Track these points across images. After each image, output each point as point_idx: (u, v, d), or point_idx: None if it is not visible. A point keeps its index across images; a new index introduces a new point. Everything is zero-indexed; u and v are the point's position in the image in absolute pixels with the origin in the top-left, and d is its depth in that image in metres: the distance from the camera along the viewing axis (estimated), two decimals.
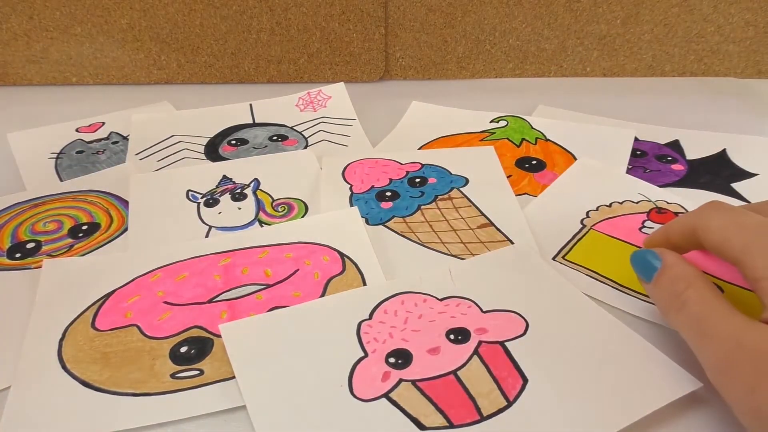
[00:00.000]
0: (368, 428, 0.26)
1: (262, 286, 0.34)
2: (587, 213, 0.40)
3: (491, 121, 0.50)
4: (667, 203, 0.40)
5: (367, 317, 0.31)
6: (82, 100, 0.54)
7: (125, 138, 0.49)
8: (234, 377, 0.29)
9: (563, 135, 0.48)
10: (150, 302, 0.33)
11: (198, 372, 0.29)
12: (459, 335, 0.30)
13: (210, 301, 0.33)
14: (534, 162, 0.46)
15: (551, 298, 0.33)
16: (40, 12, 0.53)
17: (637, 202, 0.41)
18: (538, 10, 0.55)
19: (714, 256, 0.31)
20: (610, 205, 0.40)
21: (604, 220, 0.39)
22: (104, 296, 0.33)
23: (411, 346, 0.30)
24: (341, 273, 0.35)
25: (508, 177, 0.44)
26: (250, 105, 0.52)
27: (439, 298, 0.33)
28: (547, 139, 0.48)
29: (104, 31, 0.54)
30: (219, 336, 0.31)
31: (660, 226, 0.35)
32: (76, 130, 0.50)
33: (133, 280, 0.34)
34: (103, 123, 0.51)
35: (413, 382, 0.28)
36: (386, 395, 0.28)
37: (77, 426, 0.27)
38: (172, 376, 0.29)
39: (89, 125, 0.50)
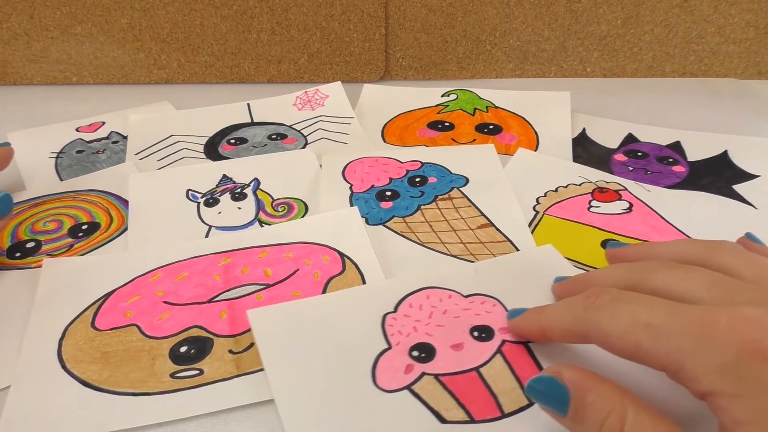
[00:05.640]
0: (390, 419, 0.26)
1: (262, 286, 0.34)
2: (537, 200, 0.41)
3: (442, 96, 0.54)
4: (606, 182, 0.43)
5: (392, 310, 0.32)
6: (82, 100, 0.54)
7: (125, 138, 0.49)
8: (233, 377, 0.29)
9: (509, 102, 0.53)
10: (150, 302, 0.33)
11: (198, 372, 0.29)
12: (483, 333, 0.30)
13: (210, 300, 0.33)
14: (491, 126, 0.50)
15: None
16: (40, 11, 0.53)
17: (579, 185, 0.43)
18: (539, 10, 0.55)
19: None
20: (556, 190, 0.42)
21: (554, 204, 0.41)
22: (104, 296, 0.33)
23: (435, 341, 0.30)
24: (341, 273, 0.35)
25: (472, 141, 0.48)
26: (248, 104, 0.52)
27: (464, 294, 0.33)
28: (497, 107, 0.53)
29: (104, 31, 0.54)
30: (219, 336, 0.31)
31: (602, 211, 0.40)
32: (76, 130, 0.50)
33: (132, 279, 0.34)
34: (103, 122, 0.51)
35: (436, 376, 0.28)
36: (408, 387, 0.28)
37: (77, 425, 0.27)
38: (172, 375, 0.29)
39: (89, 125, 0.50)
